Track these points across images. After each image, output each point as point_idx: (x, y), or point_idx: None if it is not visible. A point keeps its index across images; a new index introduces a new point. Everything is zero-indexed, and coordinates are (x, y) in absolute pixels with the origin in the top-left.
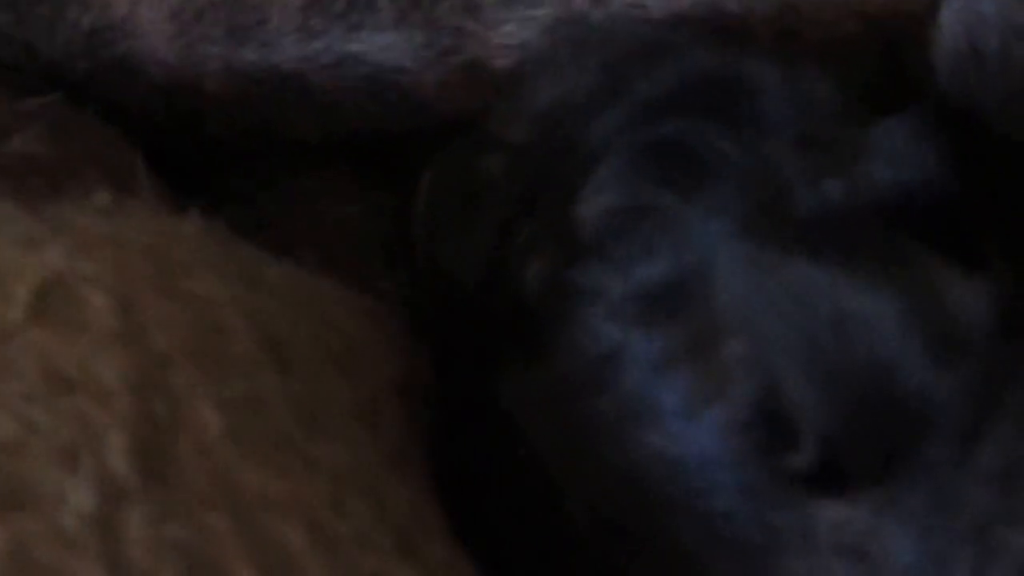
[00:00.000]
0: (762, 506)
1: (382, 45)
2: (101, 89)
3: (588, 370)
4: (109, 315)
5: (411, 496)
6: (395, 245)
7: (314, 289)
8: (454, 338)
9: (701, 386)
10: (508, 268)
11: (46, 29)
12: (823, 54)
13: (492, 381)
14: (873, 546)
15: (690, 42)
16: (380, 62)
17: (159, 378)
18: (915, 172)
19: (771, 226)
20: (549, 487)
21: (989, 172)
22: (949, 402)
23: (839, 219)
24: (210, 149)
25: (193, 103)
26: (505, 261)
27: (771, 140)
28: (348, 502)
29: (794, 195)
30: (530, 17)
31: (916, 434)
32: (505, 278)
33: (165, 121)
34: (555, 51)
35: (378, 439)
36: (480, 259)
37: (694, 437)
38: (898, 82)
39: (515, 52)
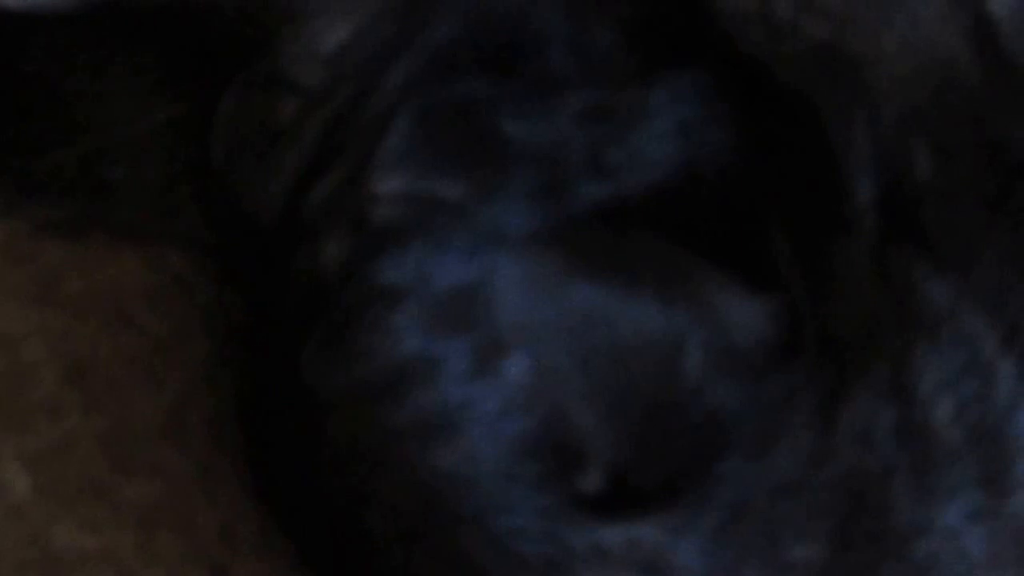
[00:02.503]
0: (555, 525)
1: None
2: None
3: (388, 378)
4: None
5: (221, 514)
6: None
7: (114, 287)
8: (258, 291)
9: (494, 404)
10: (303, 231)
11: None
12: None
13: (295, 357)
14: (665, 560)
15: None
16: None
17: None
18: (698, 146)
19: (551, 237)
20: (351, 490)
21: (778, 148)
22: (738, 419)
23: (620, 220)
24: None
25: None
26: (301, 220)
27: (557, 106)
28: (158, 542)
29: (577, 187)
30: None
31: (707, 452)
32: (301, 242)
33: None
34: None
35: (186, 453)
36: (276, 207)
37: (487, 456)
38: (691, 24)
39: None
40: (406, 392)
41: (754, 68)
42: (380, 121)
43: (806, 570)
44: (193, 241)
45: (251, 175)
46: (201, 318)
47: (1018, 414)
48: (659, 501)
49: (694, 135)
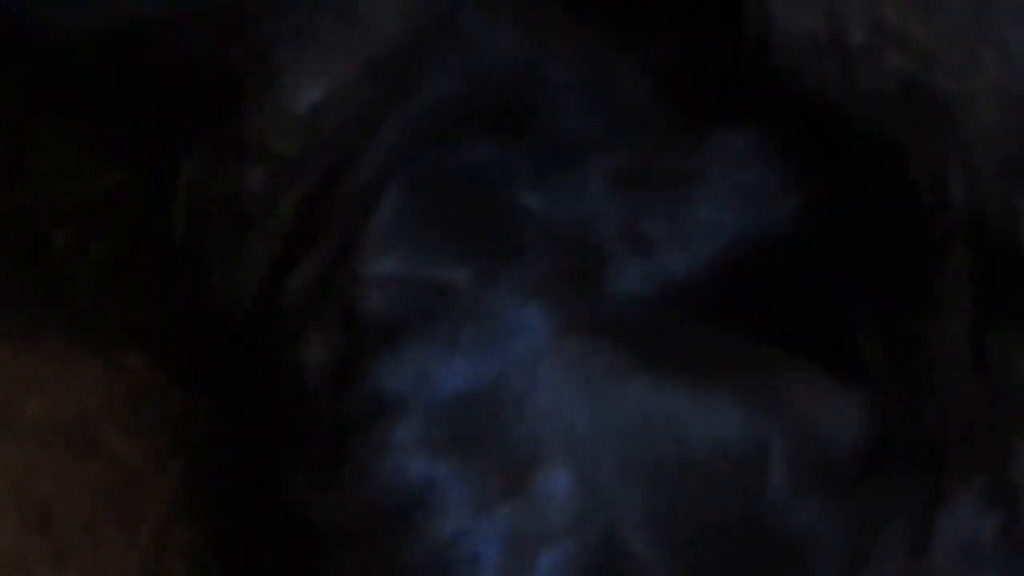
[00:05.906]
0: None
1: None
2: None
3: (397, 509)
4: None
5: None
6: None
7: (77, 407)
8: (233, 398)
9: (524, 531)
10: (282, 325)
11: None
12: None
13: (282, 482)
14: None
15: (477, 24)
16: None
17: None
18: (758, 215)
19: (589, 328)
20: None
21: (856, 212)
22: (824, 544)
23: (664, 305)
24: None
25: None
26: (279, 311)
27: (582, 172)
28: None
29: (611, 267)
30: None
31: None
32: (280, 339)
33: None
34: (307, 34)
35: None
36: (249, 295)
37: None
38: (741, 65)
39: None
40: (416, 525)
41: (824, 109)
42: (367, 193)
43: None
44: (155, 337)
45: (218, 255)
46: (174, 433)
47: None
48: None
49: (753, 201)
